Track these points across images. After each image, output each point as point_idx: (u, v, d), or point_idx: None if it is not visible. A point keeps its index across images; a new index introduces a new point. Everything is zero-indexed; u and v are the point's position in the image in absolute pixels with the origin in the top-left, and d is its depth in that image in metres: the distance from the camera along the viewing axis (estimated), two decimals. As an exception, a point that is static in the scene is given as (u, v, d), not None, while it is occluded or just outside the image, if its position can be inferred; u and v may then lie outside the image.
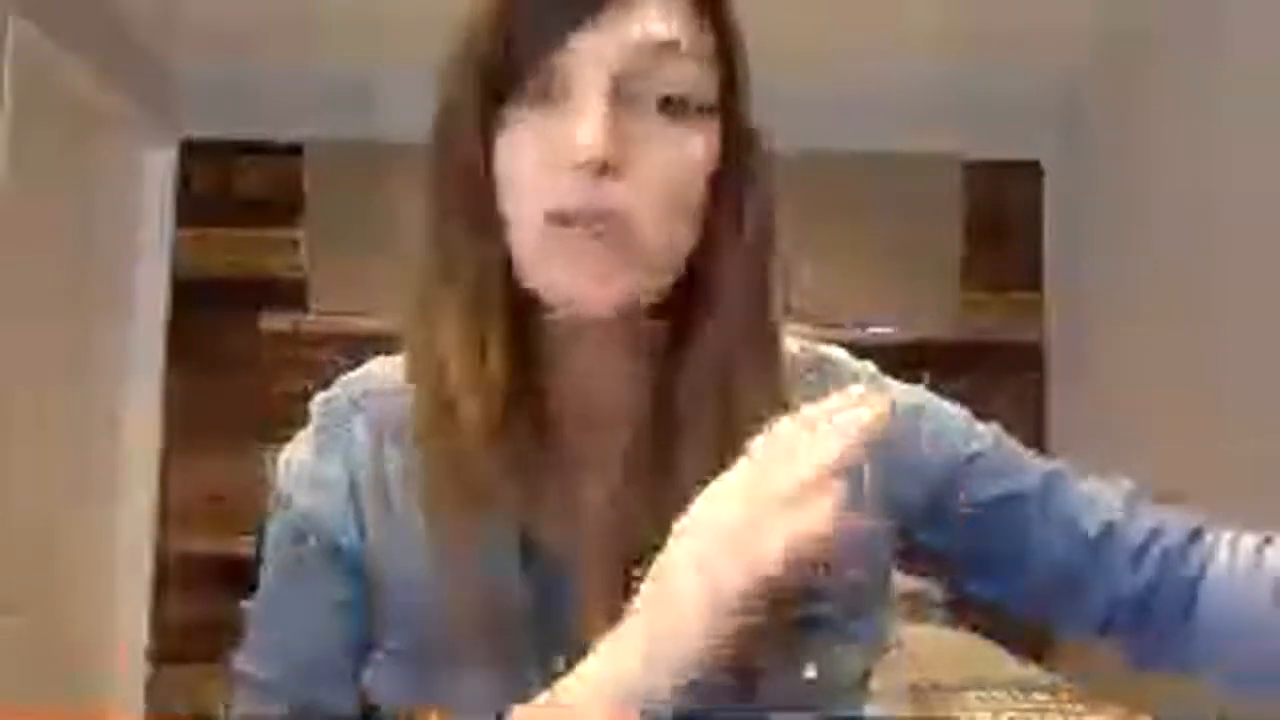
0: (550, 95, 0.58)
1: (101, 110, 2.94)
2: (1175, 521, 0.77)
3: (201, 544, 3.23)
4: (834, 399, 0.54)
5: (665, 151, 0.58)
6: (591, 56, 0.57)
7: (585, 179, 0.56)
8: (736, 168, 0.62)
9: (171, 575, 3.22)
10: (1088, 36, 2.89)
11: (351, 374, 0.71)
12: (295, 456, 0.68)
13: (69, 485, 2.84)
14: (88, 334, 2.95)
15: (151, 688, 3.17)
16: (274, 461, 0.70)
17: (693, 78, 0.59)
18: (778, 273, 0.67)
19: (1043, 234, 3.47)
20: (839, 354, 0.77)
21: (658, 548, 0.55)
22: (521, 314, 0.61)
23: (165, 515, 3.25)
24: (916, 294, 3.33)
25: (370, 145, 3.24)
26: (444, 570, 0.60)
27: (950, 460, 0.71)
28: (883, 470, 0.65)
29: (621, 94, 0.57)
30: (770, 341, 0.66)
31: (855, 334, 3.34)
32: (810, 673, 0.64)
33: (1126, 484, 0.77)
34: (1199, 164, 2.53)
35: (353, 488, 0.65)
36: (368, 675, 0.64)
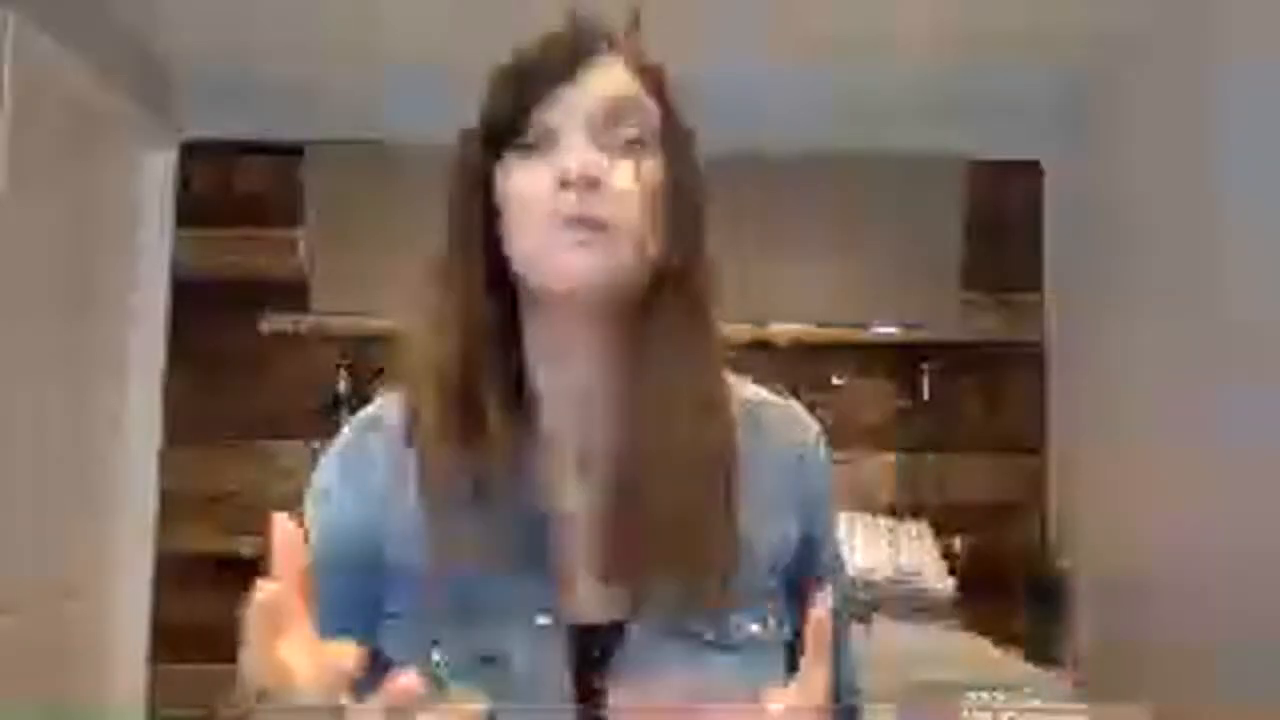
0: (542, 143, 0.77)
1: (101, 110, 2.94)
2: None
3: (201, 544, 3.23)
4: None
5: (630, 170, 0.77)
6: (571, 110, 0.77)
7: (577, 194, 0.74)
8: (680, 192, 0.81)
9: (171, 575, 3.22)
10: (1088, 36, 2.89)
11: (369, 407, 0.88)
12: (319, 476, 0.86)
13: (69, 485, 2.84)
14: (88, 334, 2.95)
15: (151, 688, 3.17)
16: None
17: (643, 123, 0.79)
18: (711, 272, 0.83)
19: (1043, 234, 3.47)
20: (775, 399, 0.91)
21: (629, 511, 0.76)
22: (511, 310, 0.81)
23: (165, 515, 3.25)
24: (916, 294, 3.33)
25: (370, 145, 3.25)
26: (441, 537, 0.76)
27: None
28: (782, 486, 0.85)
29: (595, 136, 0.77)
30: (707, 335, 0.82)
31: (855, 334, 3.35)
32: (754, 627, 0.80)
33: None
34: (1199, 164, 2.53)
35: (370, 495, 0.82)
36: (379, 637, 0.78)
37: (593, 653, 0.77)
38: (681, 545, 0.75)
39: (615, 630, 0.78)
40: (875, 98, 3.15)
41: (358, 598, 0.79)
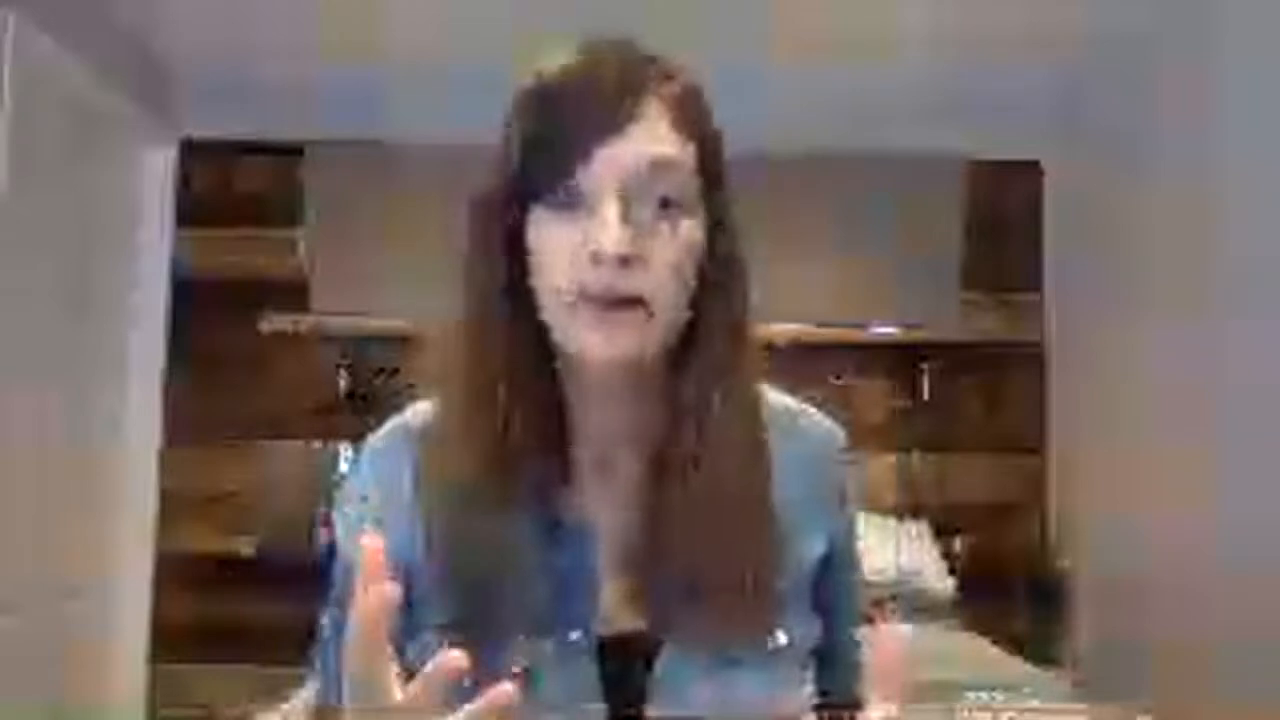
0: (575, 202, 0.73)
1: (101, 110, 2.94)
2: None
3: (201, 544, 3.23)
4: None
5: (668, 242, 0.74)
6: (608, 170, 0.72)
7: (611, 269, 0.71)
8: (719, 249, 0.78)
9: (171, 575, 3.22)
10: (1088, 36, 2.89)
11: (404, 412, 0.87)
12: (347, 488, 0.87)
13: (69, 485, 2.84)
14: (88, 334, 2.95)
15: (151, 688, 3.17)
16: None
17: (682, 182, 0.75)
18: (752, 326, 0.82)
19: (1043, 234, 3.47)
20: (809, 409, 0.91)
21: (661, 539, 0.77)
22: (547, 359, 0.79)
23: (165, 515, 3.25)
24: (916, 294, 3.33)
25: (370, 145, 3.25)
26: (480, 556, 0.76)
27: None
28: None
29: (630, 198, 0.73)
30: (749, 381, 0.81)
31: (855, 334, 3.35)
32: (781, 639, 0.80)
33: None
34: (1199, 164, 2.53)
35: (398, 507, 0.81)
36: (413, 650, 0.75)
37: (624, 670, 0.77)
38: (720, 585, 0.75)
39: (646, 647, 0.78)
40: (875, 98, 3.14)
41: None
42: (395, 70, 3.02)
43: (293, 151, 3.34)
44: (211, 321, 3.33)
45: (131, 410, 3.17)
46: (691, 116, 0.77)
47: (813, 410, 0.90)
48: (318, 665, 0.86)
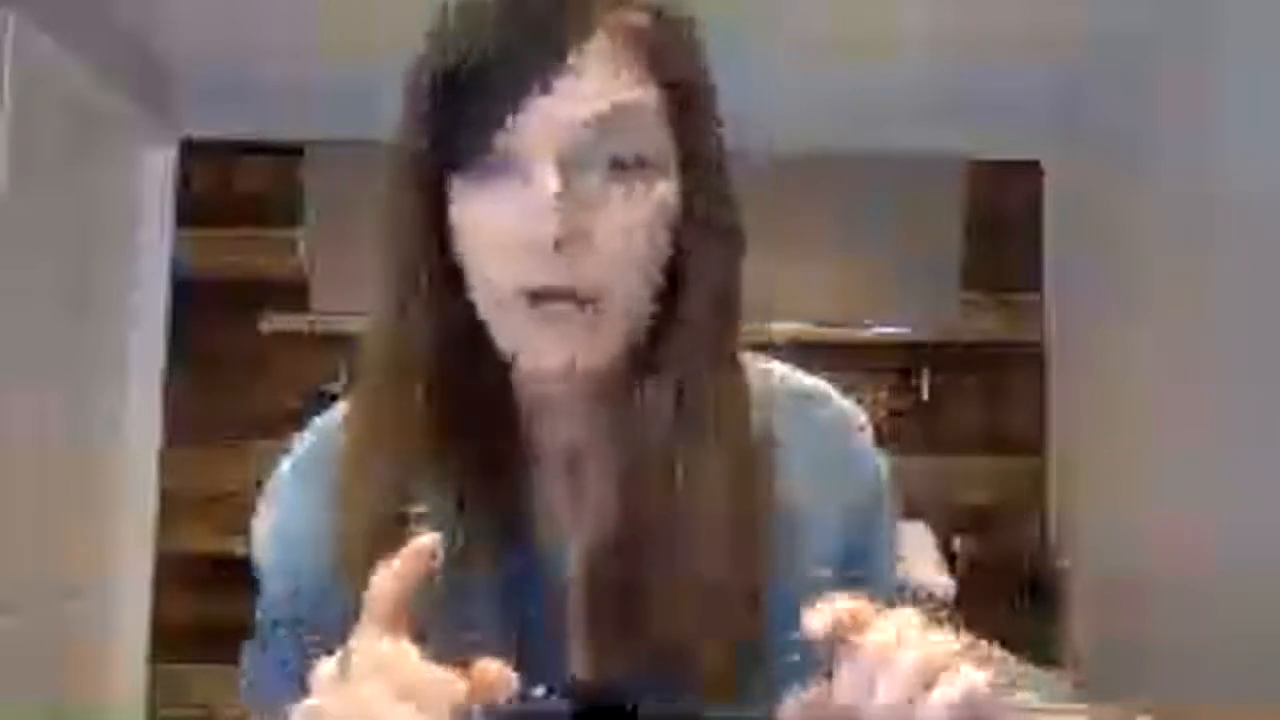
0: (502, 171, 0.59)
1: (101, 110, 2.94)
2: None
3: (201, 544, 3.23)
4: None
5: (622, 213, 0.59)
6: (541, 131, 0.57)
7: (551, 257, 0.57)
8: (697, 213, 0.63)
9: (171, 575, 3.22)
10: (1088, 36, 2.89)
11: (297, 445, 0.73)
12: (260, 532, 0.74)
13: (69, 485, 2.84)
14: (88, 334, 2.95)
15: (151, 688, 3.17)
16: (268, 461, 0.70)
17: (642, 137, 0.60)
18: (737, 307, 0.67)
19: (1043, 234, 3.47)
20: (824, 389, 0.76)
21: (633, 558, 0.62)
22: (486, 366, 0.64)
23: (165, 515, 3.25)
24: (916, 294, 3.33)
25: (370, 145, 3.23)
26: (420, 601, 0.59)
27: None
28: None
29: (571, 164, 0.57)
30: (736, 381, 0.67)
31: (855, 334, 3.35)
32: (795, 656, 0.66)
33: None
34: (1199, 164, 2.53)
35: (318, 550, 0.65)
36: None
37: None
38: (705, 639, 0.61)
39: (620, 705, 0.65)
40: (875, 98, 3.14)
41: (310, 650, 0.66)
42: (396, 70, 3.01)
43: (293, 151, 3.34)
44: (211, 321, 3.33)
45: (131, 410, 3.17)
46: (656, 51, 0.60)
47: (829, 392, 0.75)
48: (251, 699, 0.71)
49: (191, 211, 3.36)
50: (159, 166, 3.29)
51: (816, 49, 2.91)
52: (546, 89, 0.57)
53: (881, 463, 0.76)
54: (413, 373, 0.63)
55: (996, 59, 3.00)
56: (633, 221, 0.59)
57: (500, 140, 0.58)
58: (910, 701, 0.50)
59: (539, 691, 0.61)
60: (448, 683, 0.46)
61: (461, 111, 0.58)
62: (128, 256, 3.19)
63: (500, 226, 0.59)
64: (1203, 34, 2.54)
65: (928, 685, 0.50)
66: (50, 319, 2.72)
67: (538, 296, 0.59)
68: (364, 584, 0.49)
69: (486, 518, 0.63)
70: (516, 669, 0.51)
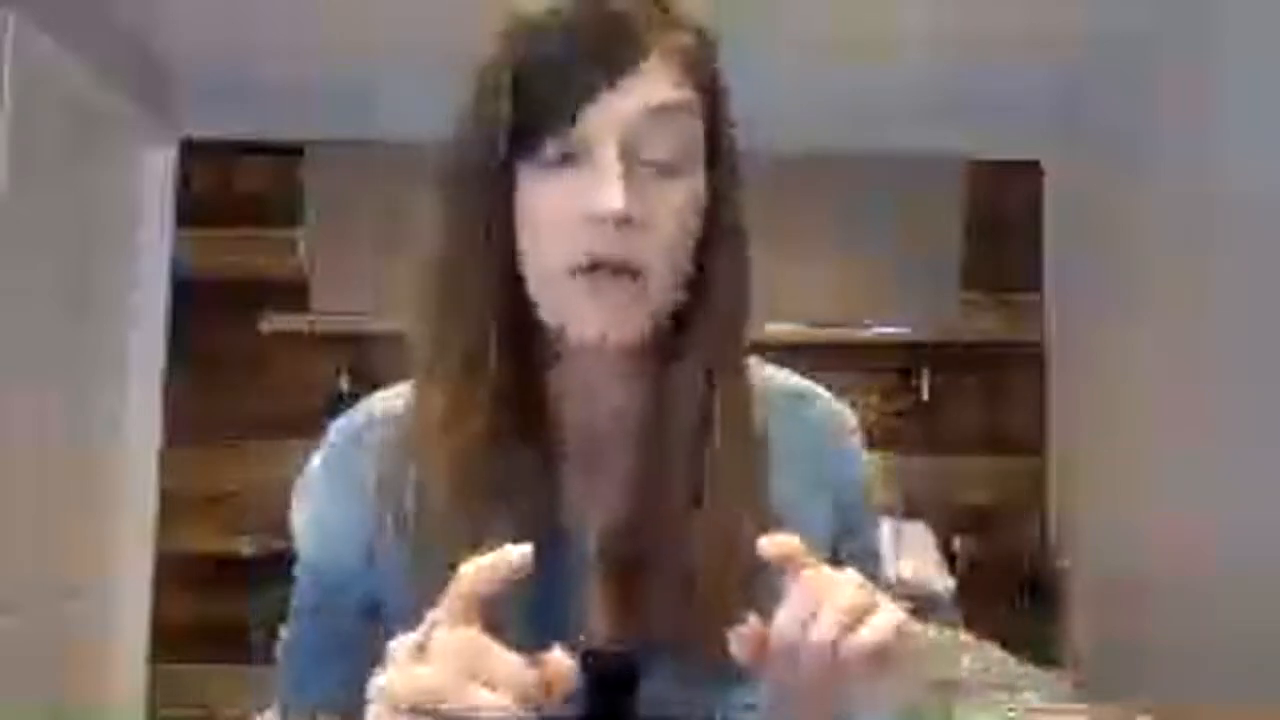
0: (568, 157, 0.66)
1: (101, 110, 2.94)
2: None
3: (201, 544, 3.23)
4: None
5: (669, 200, 0.67)
6: (607, 122, 0.65)
7: (609, 231, 0.65)
8: (724, 219, 0.71)
9: (171, 575, 3.22)
10: (1088, 36, 2.89)
11: (351, 413, 0.79)
12: (303, 501, 0.80)
13: (69, 485, 2.84)
14: (88, 334, 2.95)
15: (151, 688, 3.17)
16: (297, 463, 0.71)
17: (687, 140, 0.68)
18: (748, 308, 0.74)
19: (1043, 234, 3.47)
20: (814, 390, 0.83)
21: (652, 543, 0.69)
22: (528, 343, 0.70)
23: (165, 515, 3.25)
24: (916, 294, 3.33)
25: (370, 145, 3.25)
26: (454, 558, 0.63)
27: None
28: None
29: (631, 150, 0.66)
30: (740, 366, 0.74)
31: (855, 334, 3.35)
32: None
33: None
34: (1199, 164, 2.53)
35: (362, 522, 0.73)
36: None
37: (609, 684, 0.70)
38: (718, 595, 0.67)
39: (634, 660, 0.71)
40: (875, 98, 3.15)
41: (349, 639, 0.72)
42: (396, 71, 3.02)
43: (293, 151, 3.34)
44: (211, 321, 3.33)
45: (131, 410, 3.17)
46: (695, 62, 0.70)
47: (819, 392, 0.82)
48: (283, 686, 0.77)
49: (191, 211, 3.36)
50: (159, 166, 3.29)
51: (817, 49, 2.91)
52: (613, 86, 0.65)
53: (870, 466, 0.81)
54: (474, 359, 0.69)
55: (996, 59, 3.01)
56: (677, 206, 0.68)
57: (573, 126, 0.66)
58: (835, 643, 0.55)
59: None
60: (520, 670, 0.50)
61: (540, 102, 0.66)
62: (128, 256, 3.19)
63: (563, 206, 0.66)
64: (1203, 34, 2.54)
65: (857, 623, 0.56)
66: (50, 319, 2.72)
67: (594, 268, 0.66)
68: (436, 568, 0.55)
69: (529, 499, 0.69)
70: (533, 631, 0.58)
